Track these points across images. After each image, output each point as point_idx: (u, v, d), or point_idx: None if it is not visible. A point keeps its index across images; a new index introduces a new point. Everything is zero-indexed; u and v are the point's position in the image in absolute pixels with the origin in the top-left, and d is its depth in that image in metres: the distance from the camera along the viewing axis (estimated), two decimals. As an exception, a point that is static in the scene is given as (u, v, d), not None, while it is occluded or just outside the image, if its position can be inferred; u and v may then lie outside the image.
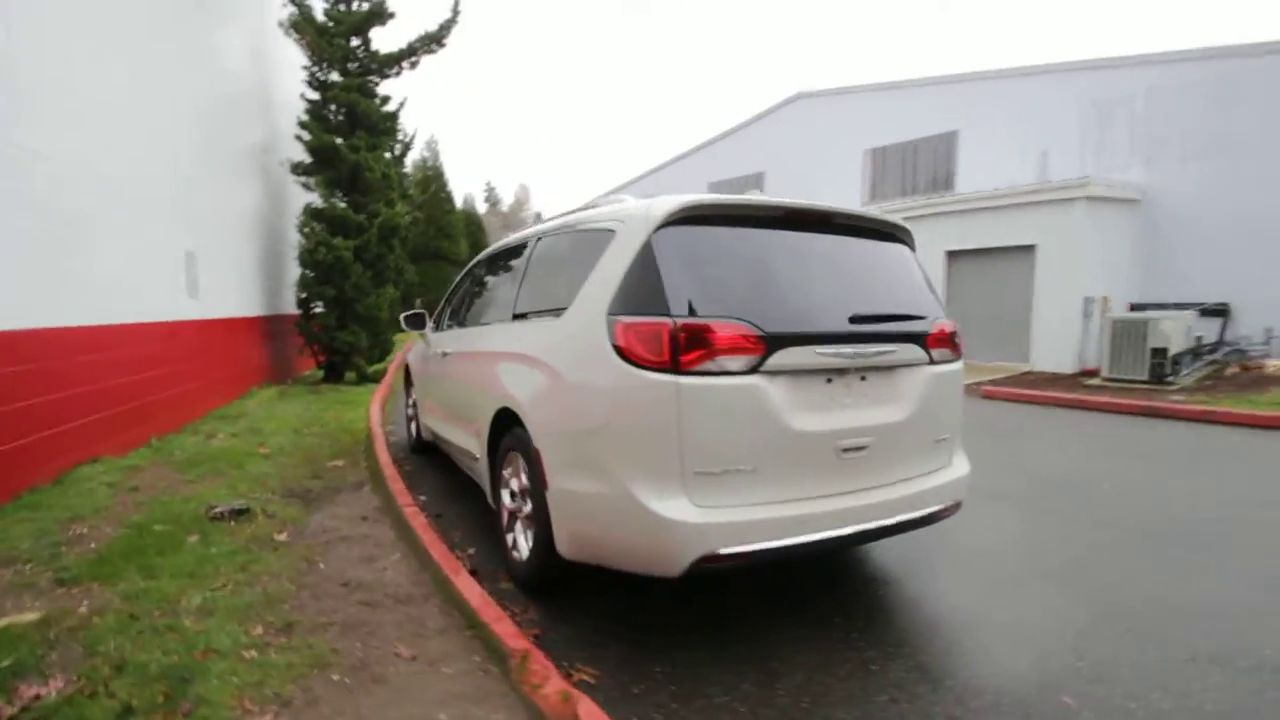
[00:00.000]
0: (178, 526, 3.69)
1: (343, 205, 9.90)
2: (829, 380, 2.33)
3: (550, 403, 2.47)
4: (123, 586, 2.91)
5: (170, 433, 6.20)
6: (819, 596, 2.99)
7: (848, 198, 18.87)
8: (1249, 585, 3.16)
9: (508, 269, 3.76)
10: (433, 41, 10.21)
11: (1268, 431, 7.03)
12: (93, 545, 3.41)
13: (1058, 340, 12.78)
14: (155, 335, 6.16)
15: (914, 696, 2.20)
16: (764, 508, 2.19)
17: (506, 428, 2.87)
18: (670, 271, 2.22)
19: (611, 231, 2.46)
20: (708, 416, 2.12)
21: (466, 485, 4.57)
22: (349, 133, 9.97)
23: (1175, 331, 10.61)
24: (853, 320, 2.41)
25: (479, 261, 4.36)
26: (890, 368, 2.50)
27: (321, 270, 9.44)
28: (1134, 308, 12.91)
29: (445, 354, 4.19)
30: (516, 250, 3.61)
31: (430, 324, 5.00)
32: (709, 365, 2.12)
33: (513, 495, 2.91)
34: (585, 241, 2.64)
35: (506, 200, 56.93)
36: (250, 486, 4.56)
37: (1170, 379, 10.21)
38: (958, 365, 2.82)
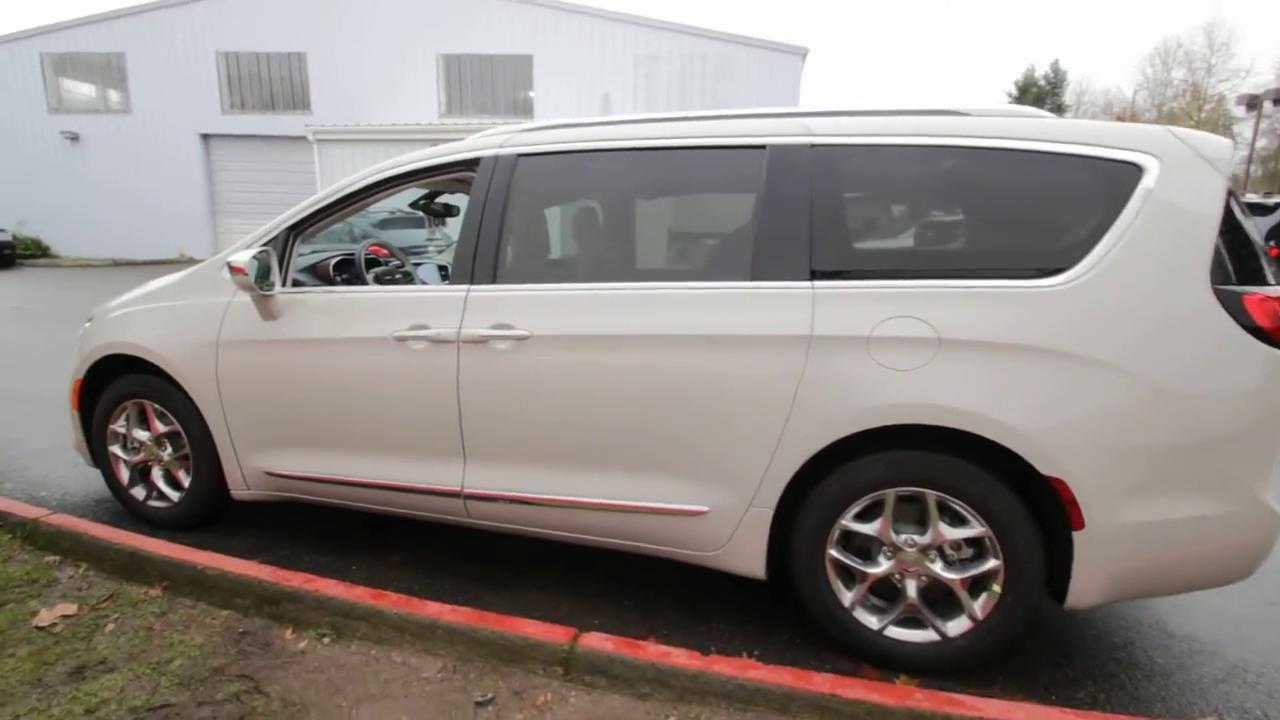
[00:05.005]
0: None
1: None
2: None
3: (1100, 411, 1.91)
4: None
5: None
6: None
7: (422, 108, 17.10)
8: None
9: (707, 192, 2.79)
10: None
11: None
12: None
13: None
14: None
15: None
16: None
17: (870, 449, 2.06)
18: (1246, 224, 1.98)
19: (1135, 166, 1.92)
20: None
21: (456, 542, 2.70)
22: None
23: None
24: None
25: (542, 157, 2.43)
26: None
27: None
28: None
29: (507, 335, 2.28)
30: (722, 164, 2.38)
31: (279, 276, 2.53)
32: None
33: (937, 555, 2.12)
34: (1055, 171, 2.02)
35: None
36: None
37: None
38: None
